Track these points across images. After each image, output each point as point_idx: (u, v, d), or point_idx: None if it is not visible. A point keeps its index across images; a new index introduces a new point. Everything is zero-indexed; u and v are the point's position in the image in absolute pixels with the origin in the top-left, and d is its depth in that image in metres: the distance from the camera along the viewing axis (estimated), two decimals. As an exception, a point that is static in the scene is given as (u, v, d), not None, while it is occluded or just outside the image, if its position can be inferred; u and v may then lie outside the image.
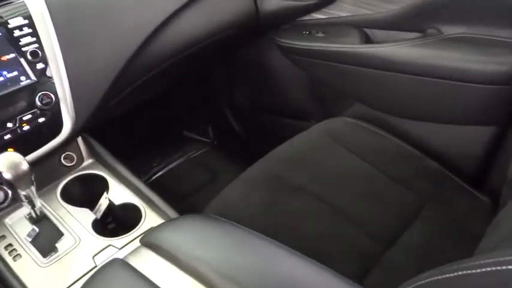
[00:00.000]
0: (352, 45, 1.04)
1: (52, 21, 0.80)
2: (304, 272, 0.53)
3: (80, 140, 0.91)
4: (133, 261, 0.58)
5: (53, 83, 0.81)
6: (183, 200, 1.43)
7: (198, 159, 1.61)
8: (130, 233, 0.78)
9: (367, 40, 1.07)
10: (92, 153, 0.92)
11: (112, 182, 0.88)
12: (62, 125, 0.83)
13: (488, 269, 0.39)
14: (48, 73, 0.80)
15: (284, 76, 1.31)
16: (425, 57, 0.93)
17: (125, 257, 0.60)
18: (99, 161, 0.91)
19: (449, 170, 0.95)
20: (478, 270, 0.39)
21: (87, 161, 0.92)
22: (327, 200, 0.87)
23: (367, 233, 0.82)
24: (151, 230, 0.63)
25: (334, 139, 1.00)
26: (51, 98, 0.80)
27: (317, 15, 1.19)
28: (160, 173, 1.54)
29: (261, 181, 0.92)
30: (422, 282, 0.44)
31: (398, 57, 0.97)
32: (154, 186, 0.88)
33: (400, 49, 0.97)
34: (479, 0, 0.91)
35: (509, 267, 0.37)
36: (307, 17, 1.20)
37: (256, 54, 1.34)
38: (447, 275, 0.42)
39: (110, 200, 0.84)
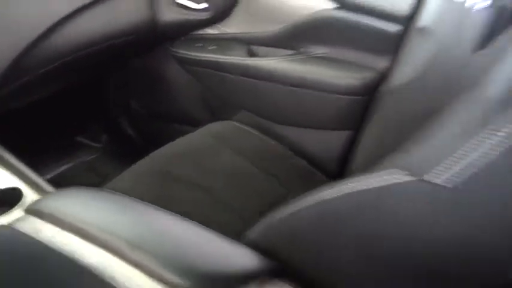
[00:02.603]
0: (238, 58, 1.19)
1: None
2: (184, 227, 0.62)
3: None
4: (18, 225, 0.61)
5: None
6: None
7: (89, 164, 1.60)
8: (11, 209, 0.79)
9: (252, 54, 1.22)
10: None
11: None
12: None
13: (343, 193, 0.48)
14: None
15: (179, 85, 1.40)
16: (296, 71, 1.10)
17: (9, 223, 0.63)
18: None
19: (315, 167, 1.12)
20: (335, 196, 0.49)
21: None
22: (208, 191, 0.97)
23: (240, 216, 0.94)
24: (36, 201, 0.67)
25: (217, 139, 1.12)
26: None
27: (210, 31, 1.31)
28: (47, 176, 1.51)
29: (146, 174, 0.99)
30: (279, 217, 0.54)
31: (276, 70, 1.13)
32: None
33: (278, 63, 1.13)
34: (336, 30, 1.11)
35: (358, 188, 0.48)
36: (201, 31, 1.31)
37: (153, 63, 1.41)
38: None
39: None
